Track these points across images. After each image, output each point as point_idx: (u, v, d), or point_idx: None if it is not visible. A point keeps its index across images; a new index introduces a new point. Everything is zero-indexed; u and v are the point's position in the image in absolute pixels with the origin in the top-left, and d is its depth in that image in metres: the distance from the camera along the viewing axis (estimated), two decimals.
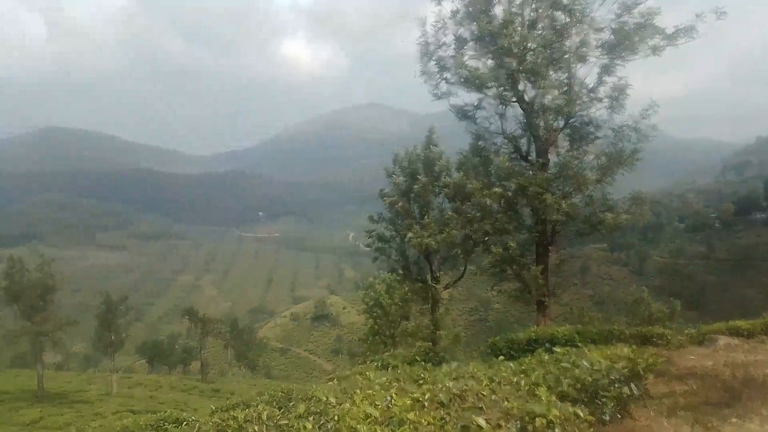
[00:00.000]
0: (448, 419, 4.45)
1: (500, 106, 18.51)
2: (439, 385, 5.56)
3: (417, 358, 13.66)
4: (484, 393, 5.20)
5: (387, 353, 17.23)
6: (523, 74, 16.78)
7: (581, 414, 4.83)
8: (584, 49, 16.78)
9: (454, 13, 17.94)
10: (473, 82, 17.35)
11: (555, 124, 17.58)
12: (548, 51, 16.68)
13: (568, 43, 16.99)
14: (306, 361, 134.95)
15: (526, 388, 5.81)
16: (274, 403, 9.18)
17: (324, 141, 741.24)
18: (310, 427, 4.22)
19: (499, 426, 4.34)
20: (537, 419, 4.46)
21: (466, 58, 18.22)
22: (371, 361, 15.72)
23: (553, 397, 5.24)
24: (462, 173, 19.75)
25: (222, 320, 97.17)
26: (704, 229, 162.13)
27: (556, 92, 16.88)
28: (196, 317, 79.13)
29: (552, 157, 17.85)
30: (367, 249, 30.32)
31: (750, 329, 12.63)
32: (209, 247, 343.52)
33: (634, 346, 9.24)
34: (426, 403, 4.89)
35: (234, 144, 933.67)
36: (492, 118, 18.91)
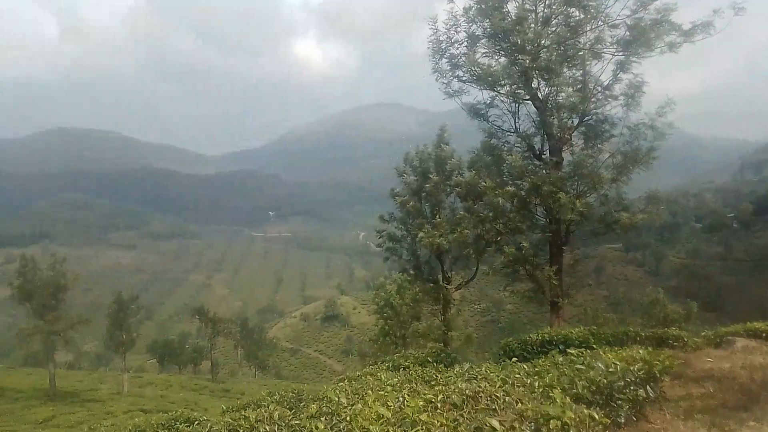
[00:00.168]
0: (461, 421, 4.39)
1: (513, 104, 18.32)
2: (452, 387, 5.49)
3: (429, 359, 13.54)
4: (498, 395, 5.12)
5: (398, 354, 17.15)
6: (537, 71, 16.59)
7: (596, 416, 4.77)
8: (599, 45, 16.55)
9: (467, 10, 17.79)
10: (486, 79, 17.19)
11: (569, 122, 17.36)
12: (562, 48, 16.46)
13: (582, 39, 16.76)
14: (316, 362, 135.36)
15: (540, 390, 5.73)
16: (285, 403, 9.16)
17: (334, 140, 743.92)
18: (322, 427, 4.16)
19: (513, 428, 4.27)
20: (551, 421, 4.40)
21: (478, 55, 18.05)
22: (382, 362, 15.63)
23: (568, 399, 5.16)
24: (474, 172, 19.59)
25: (232, 320, 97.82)
26: (722, 228, 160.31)
27: (570, 90, 16.65)
28: (206, 317, 79.65)
29: (566, 156, 17.64)
30: (378, 249, 30.25)
31: None
32: (220, 246, 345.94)
33: (649, 348, 9.10)
34: (439, 405, 4.83)
35: (244, 144, 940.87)
36: (505, 116, 18.72)
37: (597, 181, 16.59)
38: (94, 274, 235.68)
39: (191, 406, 37.20)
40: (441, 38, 18.52)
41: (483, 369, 7.57)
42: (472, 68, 17.52)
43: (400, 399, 4.94)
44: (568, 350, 8.74)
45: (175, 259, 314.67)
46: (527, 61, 16.33)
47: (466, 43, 18.30)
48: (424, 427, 4.03)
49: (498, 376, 6.54)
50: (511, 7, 17.13)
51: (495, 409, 4.74)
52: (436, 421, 4.17)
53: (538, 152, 18.22)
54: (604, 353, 7.78)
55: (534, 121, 18.21)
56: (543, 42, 16.63)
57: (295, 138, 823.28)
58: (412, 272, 27.04)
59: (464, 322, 58.51)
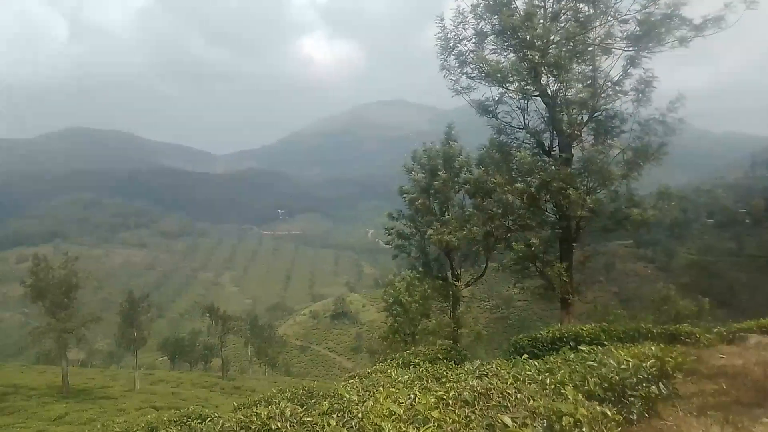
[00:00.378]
0: (473, 418, 4.39)
1: (522, 101, 18.26)
2: (463, 384, 5.49)
3: (439, 356, 13.55)
4: (509, 391, 5.12)
5: (407, 351, 17.15)
6: (546, 67, 16.51)
7: (609, 413, 4.74)
8: (609, 41, 16.44)
9: (474, 6, 17.74)
10: (494, 76, 17.13)
11: (579, 118, 17.27)
12: (572, 43, 16.37)
13: (592, 35, 16.65)
14: (325, 359, 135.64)
15: (552, 386, 5.72)
16: (296, 400, 9.21)
17: (342, 138, 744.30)
18: (334, 424, 4.17)
19: (526, 425, 4.26)
20: (564, 418, 4.38)
21: (486, 52, 18.02)
22: (392, 359, 15.65)
23: (580, 396, 5.14)
24: (482, 169, 19.54)
25: (242, 318, 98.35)
26: (734, 225, 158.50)
27: (580, 85, 16.58)
28: (216, 315, 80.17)
29: (576, 152, 17.57)
30: (387, 246, 30.24)
31: None
32: (230, 244, 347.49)
33: (661, 345, 9.03)
34: (450, 402, 4.83)
35: (253, 142, 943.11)
36: (513, 113, 18.66)
37: (607, 178, 16.51)
38: (105, 272, 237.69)
39: (202, 403, 37.45)
40: (449, 35, 18.50)
41: (494, 366, 7.57)
42: (481, 65, 17.48)
43: (412, 396, 4.95)
44: (579, 347, 8.71)
45: (185, 258, 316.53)
46: (536, 57, 16.24)
47: (474, 40, 18.27)
48: (436, 423, 4.03)
49: (509, 372, 6.53)
50: (520, 3, 17.09)
51: (507, 405, 4.74)
52: (447, 418, 4.17)
53: (547, 148, 18.15)
54: (616, 350, 7.74)
55: (543, 118, 18.14)
56: (552, 38, 16.55)
57: (303, 136, 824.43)
58: (421, 269, 27.00)
59: (474, 319, 58.49)
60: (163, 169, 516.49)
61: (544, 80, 17.22)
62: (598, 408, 4.74)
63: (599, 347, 8.79)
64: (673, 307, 51.51)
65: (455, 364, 11.47)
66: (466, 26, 18.27)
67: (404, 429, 3.90)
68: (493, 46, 17.96)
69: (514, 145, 18.78)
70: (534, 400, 4.87)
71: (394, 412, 4.27)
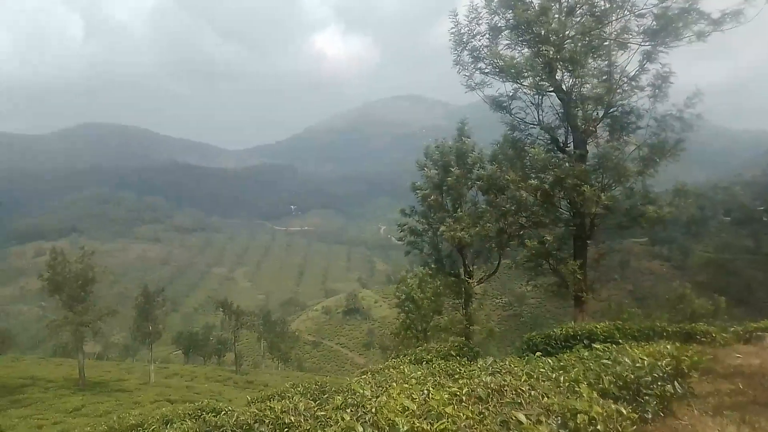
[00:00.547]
0: (486, 414, 4.38)
1: (536, 96, 18.13)
2: (476, 380, 5.47)
3: (452, 352, 13.55)
4: (523, 388, 5.10)
5: (420, 348, 17.16)
6: (561, 63, 16.37)
7: (624, 411, 4.71)
8: (625, 35, 16.24)
9: (489, 1, 17.63)
10: (508, 71, 17.03)
11: (594, 113, 17.10)
12: (587, 38, 16.20)
13: (608, 29, 16.46)
14: (337, 355, 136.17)
15: (566, 384, 5.69)
16: (309, 395, 9.26)
17: (355, 134, 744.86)
18: (348, 418, 4.18)
19: (540, 422, 4.24)
20: (578, 416, 4.37)
21: (500, 47, 17.90)
22: (404, 356, 15.67)
23: (594, 394, 5.11)
24: (496, 165, 19.45)
25: (255, 313, 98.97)
26: (751, 222, 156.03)
27: (595, 81, 16.40)
28: (229, 309, 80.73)
29: (591, 148, 17.41)
30: (399, 242, 30.22)
31: None
32: (243, 240, 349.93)
33: (677, 344, 8.94)
34: (464, 398, 4.82)
35: (266, 138, 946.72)
36: (528, 109, 18.53)
37: (622, 174, 16.36)
38: (120, 266, 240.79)
39: (216, 397, 37.83)
40: (462, 31, 18.41)
41: (507, 363, 7.54)
42: (495, 60, 17.39)
43: (425, 392, 4.95)
44: (594, 345, 8.65)
45: (199, 253, 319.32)
46: (551, 52, 16.11)
47: (488, 35, 18.17)
48: (449, 419, 4.02)
49: (522, 370, 6.51)
50: None
51: (521, 402, 4.72)
52: (461, 414, 4.16)
53: (561, 145, 18.02)
54: (631, 348, 7.68)
55: (558, 113, 18.00)
56: (567, 32, 16.40)
57: (316, 132, 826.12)
58: (433, 266, 26.94)
59: (486, 316, 58.30)
60: (177, 165, 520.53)
61: (558, 76, 17.08)
62: (613, 406, 4.72)
63: (614, 345, 8.73)
64: (689, 306, 51.02)
65: (468, 361, 11.46)
66: (480, 21, 18.19)
67: (418, 424, 3.90)
68: (507, 41, 17.85)
69: (528, 141, 18.67)
70: (548, 397, 4.85)
71: (408, 407, 4.28)
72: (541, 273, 19.43)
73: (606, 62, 16.99)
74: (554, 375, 6.12)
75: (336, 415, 4.43)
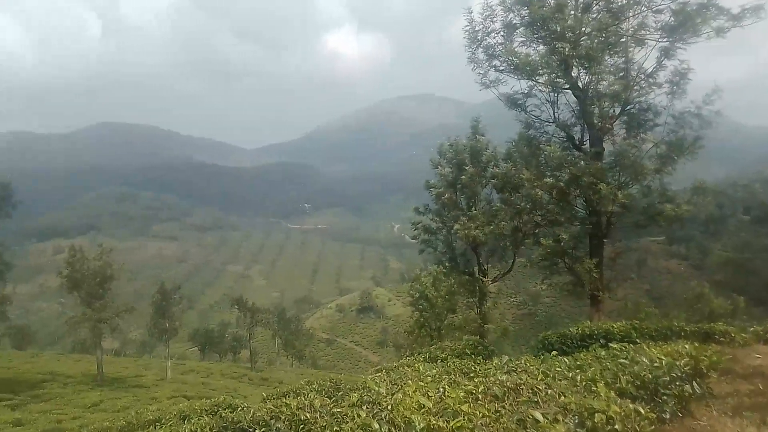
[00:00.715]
0: (503, 412, 4.37)
1: (552, 94, 18.00)
2: (492, 378, 5.46)
3: (466, 351, 13.52)
4: (540, 387, 5.08)
5: (434, 346, 17.14)
6: (577, 60, 16.23)
7: (642, 411, 4.68)
8: (642, 31, 16.06)
9: None
10: (524, 68, 16.92)
11: (611, 111, 16.93)
12: (604, 35, 16.04)
13: (624, 25, 16.29)
14: (351, 352, 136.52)
15: (583, 383, 5.65)
16: (324, 392, 9.31)
17: (369, 132, 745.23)
18: (364, 415, 4.19)
19: (557, 420, 4.23)
20: (596, 415, 4.35)
21: (515, 44, 17.81)
22: (419, 354, 15.68)
23: (612, 394, 5.07)
24: (510, 163, 19.35)
25: (270, 310, 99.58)
26: None
27: (612, 78, 16.25)
28: (245, 307, 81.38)
29: (607, 146, 17.24)
30: (413, 241, 30.18)
31: None
32: (258, 238, 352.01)
33: (695, 343, 8.83)
34: (480, 396, 4.82)
35: (281, 136, 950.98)
36: (543, 106, 18.40)
37: (640, 172, 16.18)
38: (138, 264, 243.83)
39: (232, 393, 38.14)
40: (477, 28, 18.33)
41: (522, 362, 7.51)
42: (510, 57, 17.28)
43: (440, 390, 4.95)
44: (610, 344, 8.57)
45: (215, 251, 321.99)
46: (567, 49, 15.98)
47: (502, 33, 18.07)
48: (465, 417, 4.02)
49: (538, 368, 6.47)
50: None
51: (537, 401, 4.71)
52: (477, 412, 4.16)
53: (577, 142, 17.87)
54: (648, 348, 7.61)
55: (573, 111, 17.85)
56: (584, 29, 16.25)
57: (330, 130, 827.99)
58: (447, 264, 26.86)
59: (500, 315, 57.99)
60: (194, 163, 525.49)
61: (574, 73, 16.94)
62: (630, 405, 4.69)
63: (631, 345, 8.64)
64: (707, 305, 50.32)
65: (483, 359, 11.43)
66: (495, 18, 18.09)
67: (434, 422, 3.91)
68: (522, 39, 17.73)
69: (544, 138, 18.53)
70: (565, 396, 4.82)
71: (424, 405, 4.28)
72: (556, 272, 19.28)
73: (623, 59, 16.81)
74: (571, 374, 6.08)
75: (352, 412, 4.45)
